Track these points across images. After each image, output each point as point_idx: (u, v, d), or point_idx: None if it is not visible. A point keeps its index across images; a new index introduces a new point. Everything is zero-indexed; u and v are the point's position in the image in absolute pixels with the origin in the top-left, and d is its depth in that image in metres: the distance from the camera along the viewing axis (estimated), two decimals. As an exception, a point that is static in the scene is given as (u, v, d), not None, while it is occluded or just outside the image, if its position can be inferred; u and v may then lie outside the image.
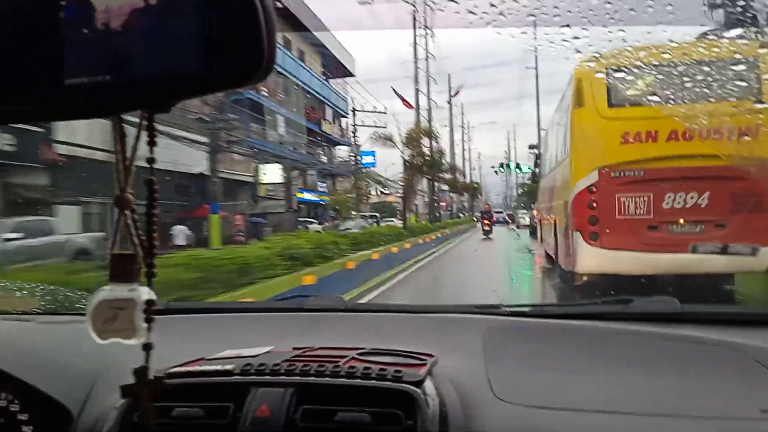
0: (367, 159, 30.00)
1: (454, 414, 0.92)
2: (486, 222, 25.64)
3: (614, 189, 6.34)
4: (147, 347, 0.56)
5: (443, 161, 28.51)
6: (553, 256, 9.15)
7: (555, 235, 8.65)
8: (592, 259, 6.37)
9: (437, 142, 28.69)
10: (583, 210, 6.46)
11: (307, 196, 31.54)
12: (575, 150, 6.83)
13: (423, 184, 32.83)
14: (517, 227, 34.74)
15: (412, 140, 24.67)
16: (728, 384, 1.05)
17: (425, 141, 26.60)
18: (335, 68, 35.63)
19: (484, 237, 24.30)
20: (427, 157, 26.74)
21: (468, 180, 58.78)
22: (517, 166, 49.34)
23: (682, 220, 6.24)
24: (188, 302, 3.64)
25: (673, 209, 6.22)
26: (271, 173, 24.06)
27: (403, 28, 30.87)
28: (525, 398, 0.98)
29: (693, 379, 1.07)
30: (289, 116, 28.83)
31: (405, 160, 25.59)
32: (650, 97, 6.31)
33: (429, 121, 29.69)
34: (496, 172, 53.82)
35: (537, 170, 13.98)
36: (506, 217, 46.60)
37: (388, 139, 24.85)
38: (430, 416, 0.88)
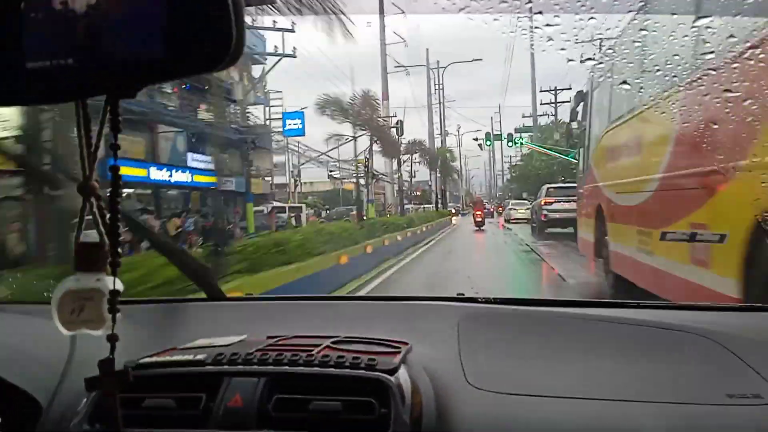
0: (291, 124, 17.23)
1: (428, 402, 0.92)
2: (478, 213, 25.62)
3: None
4: (112, 338, 0.55)
5: None
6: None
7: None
8: None
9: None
10: None
11: (160, 174, 18.62)
12: None
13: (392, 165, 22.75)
14: (508, 221, 27.81)
15: None
16: (696, 369, 1.07)
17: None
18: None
19: (476, 228, 23.97)
20: None
21: (435, 144, 38.69)
22: (509, 137, 34.55)
23: None
24: None
25: None
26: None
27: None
28: (498, 385, 0.99)
29: (662, 364, 1.09)
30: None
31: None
32: None
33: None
34: (480, 146, 39.64)
35: (576, 123, 8.41)
36: (491, 210, 41.05)
37: None
38: (403, 404, 0.88)
